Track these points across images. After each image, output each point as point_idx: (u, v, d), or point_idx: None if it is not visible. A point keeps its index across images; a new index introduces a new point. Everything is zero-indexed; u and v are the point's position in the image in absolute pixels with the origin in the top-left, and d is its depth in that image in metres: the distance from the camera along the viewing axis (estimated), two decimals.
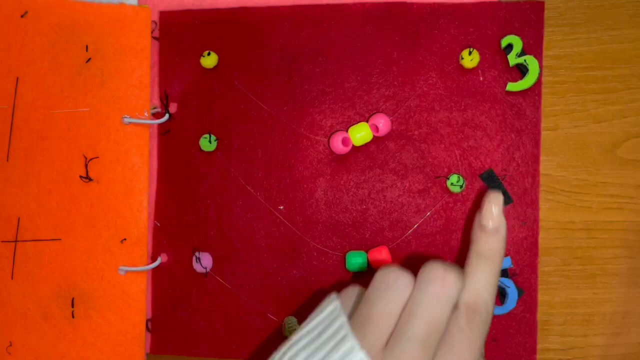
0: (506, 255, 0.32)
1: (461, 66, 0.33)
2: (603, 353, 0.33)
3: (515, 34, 0.33)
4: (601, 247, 0.33)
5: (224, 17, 0.35)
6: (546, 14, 0.34)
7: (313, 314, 0.26)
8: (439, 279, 0.24)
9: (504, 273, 0.32)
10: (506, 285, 0.32)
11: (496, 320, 0.32)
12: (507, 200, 0.32)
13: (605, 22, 0.34)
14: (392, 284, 0.25)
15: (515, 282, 0.32)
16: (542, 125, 0.33)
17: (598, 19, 0.34)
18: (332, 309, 0.25)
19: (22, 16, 0.36)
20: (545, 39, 0.34)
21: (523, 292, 0.32)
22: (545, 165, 0.34)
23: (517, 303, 0.32)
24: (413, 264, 0.33)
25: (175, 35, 0.35)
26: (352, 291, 0.27)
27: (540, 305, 0.33)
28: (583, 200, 0.33)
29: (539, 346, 0.33)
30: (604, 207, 0.33)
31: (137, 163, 0.35)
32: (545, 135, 0.34)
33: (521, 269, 0.33)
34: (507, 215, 0.33)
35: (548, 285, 0.33)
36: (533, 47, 0.33)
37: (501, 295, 0.32)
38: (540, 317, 0.33)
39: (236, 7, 0.35)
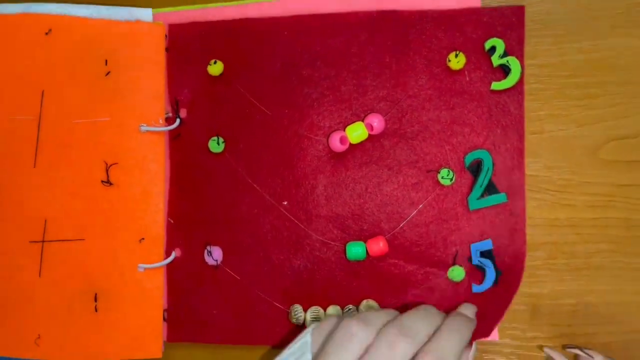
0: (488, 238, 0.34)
1: (448, 68, 0.35)
2: (587, 341, 0.34)
3: (498, 37, 0.34)
4: (585, 242, 0.34)
5: (228, 28, 0.37)
6: (531, 25, 0.35)
7: (291, 342, 0.28)
8: (391, 343, 0.26)
9: (486, 254, 0.34)
10: (485, 265, 0.34)
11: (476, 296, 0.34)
12: (495, 192, 0.34)
13: (587, 33, 0.35)
14: (352, 337, 0.26)
15: (496, 264, 0.34)
16: (529, 129, 0.35)
17: (580, 30, 0.35)
18: (303, 342, 0.27)
19: (46, 34, 0.38)
20: (531, 49, 0.35)
21: (501, 273, 0.34)
22: (532, 166, 0.35)
23: (495, 283, 0.34)
24: (409, 252, 0.35)
25: (184, 46, 0.37)
26: (330, 322, 0.29)
27: (528, 296, 0.34)
28: (567, 198, 0.35)
29: (528, 334, 0.34)
30: (587, 205, 0.34)
31: (153, 168, 0.37)
32: (531, 138, 0.35)
33: (508, 258, 0.34)
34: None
35: (536, 278, 0.34)
36: (515, 48, 0.35)
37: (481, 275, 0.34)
38: (528, 307, 0.34)
39: (240, 19, 0.37)
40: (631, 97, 0.34)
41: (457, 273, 0.34)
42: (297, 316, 0.35)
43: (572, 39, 0.35)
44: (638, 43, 0.35)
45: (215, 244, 0.37)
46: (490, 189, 0.34)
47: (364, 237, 0.36)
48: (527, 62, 0.35)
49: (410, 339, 0.26)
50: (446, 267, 0.35)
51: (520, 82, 0.34)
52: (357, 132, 0.35)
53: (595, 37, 0.35)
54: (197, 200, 0.37)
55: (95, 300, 0.37)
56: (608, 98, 0.35)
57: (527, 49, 0.35)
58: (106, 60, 0.37)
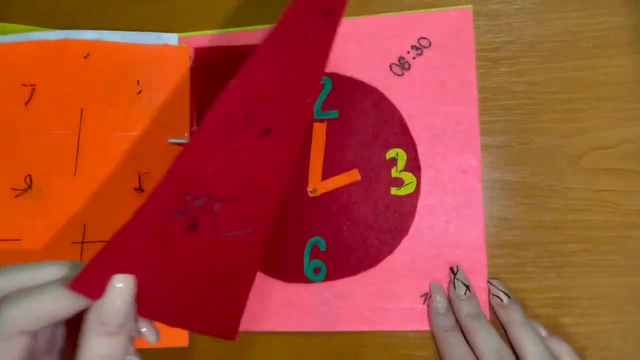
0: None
1: None
2: (571, 331, 0.35)
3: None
4: (568, 242, 0.36)
5: (247, 52, 0.40)
6: (519, 47, 0.38)
7: None
8: None
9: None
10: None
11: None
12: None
13: (571, 54, 0.37)
14: None
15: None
16: (519, 140, 0.37)
17: (564, 51, 0.37)
18: None
19: (85, 57, 0.41)
20: (521, 68, 0.37)
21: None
22: (521, 173, 0.37)
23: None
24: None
25: (207, 67, 0.40)
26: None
27: (517, 291, 0.36)
28: (552, 202, 0.36)
29: None
30: (569, 208, 0.36)
31: None
32: (520, 148, 0.37)
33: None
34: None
35: (524, 274, 0.36)
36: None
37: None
38: (518, 300, 0.35)
39: (256, 44, 0.40)
40: (610, 111, 0.37)
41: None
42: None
43: (557, 59, 0.38)
44: (616, 62, 0.37)
45: None
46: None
47: None
48: (516, 79, 0.38)
49: None
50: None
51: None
52: None
53: (578, 57, 0.37)
54: None
55: None
56: (589, 112, 0.37)
57: (517, 67, 0.38)
58: (138, 81, 0.40)
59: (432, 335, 0.37)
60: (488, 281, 0.37)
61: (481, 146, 0.38)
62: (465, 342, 0.35)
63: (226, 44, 0.41)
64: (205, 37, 0.41)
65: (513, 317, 0.34)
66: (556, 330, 0.35)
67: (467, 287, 0.36)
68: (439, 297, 0.37)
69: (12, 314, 0.22)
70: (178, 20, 0.42)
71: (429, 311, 0.37)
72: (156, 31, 0.41)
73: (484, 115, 0.38)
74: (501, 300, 0.35)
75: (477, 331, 0.34)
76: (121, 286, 0.23)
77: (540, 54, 0.38)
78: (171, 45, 0.40)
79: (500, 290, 0.36)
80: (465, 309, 0.35)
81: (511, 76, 0.38)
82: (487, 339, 0.33)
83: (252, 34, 0.41)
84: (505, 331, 0.35)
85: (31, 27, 0.41)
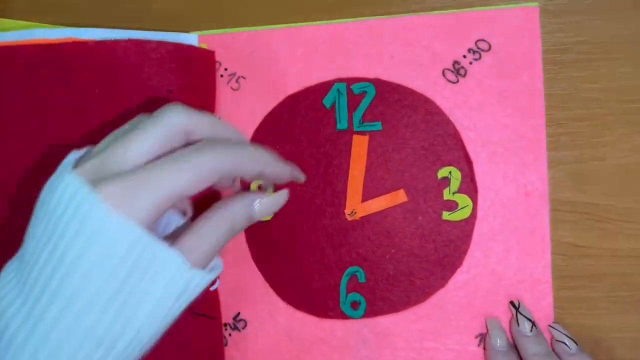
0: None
1: None
2: None
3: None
4: None
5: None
6: (590, 48, 0.34)
7: None
8: None
9: None
10: None
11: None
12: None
13: None
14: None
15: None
16: (590, 155, 0.34)
17: None
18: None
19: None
20: (592, 73, 0.34)
21: None
22: (592, 194, 0.34)
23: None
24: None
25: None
26: None
27: (589, 329, 0.34)
28: (630, 228, 0.34)
29: None
30: None
31: None
32: (592, 165, 0.34)
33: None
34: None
35: (597, 311, 0.34)
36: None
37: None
38: (589, 340, 0.34)
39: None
40: None
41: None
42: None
43: (635, 63, 0.34)
44: None
45: None
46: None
47: None
48: (587, 85, 0.34)
49: None
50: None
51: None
52: None
53: None
54: None
55: None
56: None
57: (589, 72, 0.34)
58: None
59: None
60: (550, 325, 0.34)
61: (547, 163, 0.34)
62: None
63: (251, 43, 0.36)
64: (227, 34, 0.37)
65: None
66: None
67: (533, 323, 0.33)
68: (498, 333, 0.34)
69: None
70: (194, 18, 0.37)
71: (486, 352, 0.34)
72: (169, 30, 0.37)
73: (549, 127, 0.35)
74: (568, 347, 0.32)
75: None
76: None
77: (616, 57, 0.34)
78: (196, 47, 0.36)
79: (564, 335, 0.33)
80: (532, 348, 0.32)
81: (581, 82, 0.34)
82: None
83: (280, 32, 0.36)
84: None
85: (33, 24, 0.38)
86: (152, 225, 0.22)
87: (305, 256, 0.36)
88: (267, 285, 0.36)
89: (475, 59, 0.34)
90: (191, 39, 0.36)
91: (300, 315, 0.36)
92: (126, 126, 0.25)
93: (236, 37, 0.37)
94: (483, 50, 0.34)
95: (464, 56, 0.34)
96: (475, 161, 0.34)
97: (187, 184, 0.23)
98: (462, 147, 0.34)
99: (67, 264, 0.21)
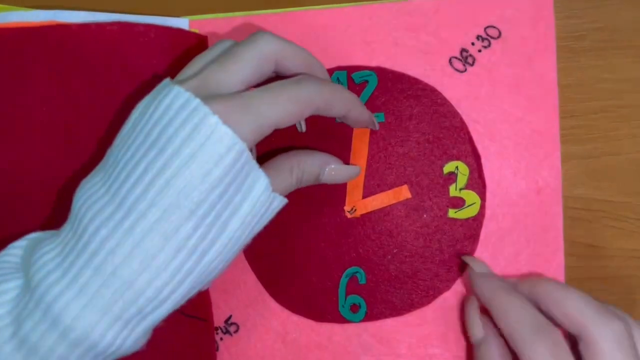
0: None
1: None
2: None
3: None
4: None
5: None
6: (609, 35, 0.32)
7: None
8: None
9: None
10: None
11: None
12: None
13: None
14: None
15: None
16: (605, 149, 0.32)
17: None
18: None
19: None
20: (610, 62, 0.32)
21: None
22: (608, 191, 0.33)
23: None
24: None
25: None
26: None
27: None
28: None
29: None
30: None
31: None
32: (607, 160, 0.33)
33: None
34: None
35: None
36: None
37: None
38: None
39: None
40: None
41: None
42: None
43: None
44: None
45: None
46: None
47: None
48: (604, 75, 0.32)
49: None
50: None
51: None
52: None
53: None
54: None
55: None
56: None
57: (606, 61, 0.32)
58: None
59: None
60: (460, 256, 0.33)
61: (561, 158, 0.33)
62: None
63: (248, 28, 0.34)
64: (219, 20, 0.35)
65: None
66: None
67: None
68: (477, 262, 0.32)
69: None
70: (185, 1, 0.35)
71: (471, 282, 0.32)
72: (158, 14, 0.35)
73: (562, 120, 0.33)
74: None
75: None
76: None
77: (635, 45, 0.33)
78: (187, 31, 0.34)
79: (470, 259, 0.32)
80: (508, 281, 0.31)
81: (598, 72, 0.33)
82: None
83: (276, 17, 0.34)
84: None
85: (10, 7, 0.35)
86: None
87: (302, 256, 0.34)
88: (260, 286, 0.34)
89: (485, 47, 0.32)
90: (182, 23, 0.34)
91: (295, 318, 0.34)
92: (216, 51, 0.26)
93: (229, 22, 0.35)
94: (493, 38, 0.32)
95: (473, 43, 0.32)
96: (483, 156, 0.33)
97: (285, 114, 0.24)
98: (470, 141, 0.33)
99: (172, 170, 0.22)
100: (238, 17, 0.35)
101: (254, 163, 0.24)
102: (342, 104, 0.27)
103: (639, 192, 0.32)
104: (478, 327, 0.30)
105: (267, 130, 0.24)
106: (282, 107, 0.24)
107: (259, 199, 0.24)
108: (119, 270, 0.22)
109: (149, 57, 0.32)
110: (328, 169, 0.29)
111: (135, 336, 0.24)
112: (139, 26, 0.32)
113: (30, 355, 0.23)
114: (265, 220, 0.26)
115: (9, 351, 0.23)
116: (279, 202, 0.26)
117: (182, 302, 0.25)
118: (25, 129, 0.32)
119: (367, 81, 0.33)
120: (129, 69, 0.32)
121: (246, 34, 0.34)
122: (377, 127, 0.32)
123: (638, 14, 0.32)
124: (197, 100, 0.22)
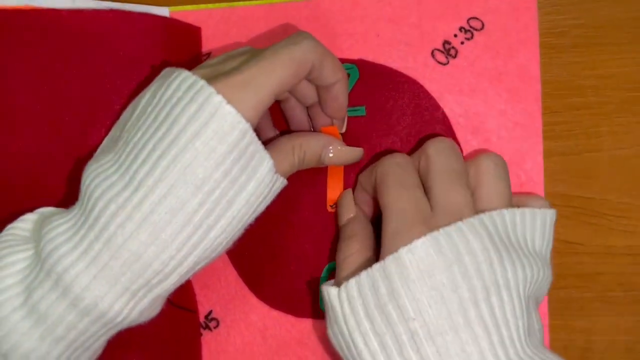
0: None
1: None
2: None
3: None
4: None
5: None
6: (591, 32, 0.32)
7: None
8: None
9: None
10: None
11: None
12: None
13: None
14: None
15: None
16: (585, 146, 0.33)
17: None
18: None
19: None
20: (591, 59, 0.33)
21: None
22: (588, 188, 0.33)
23: None
24: None
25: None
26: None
27: (580, 331, 0.33)
28: (627, 224, 0.33)
29: None
30: None
31: None
32: (588, 157, 0.33)
33: None
34: None
35: (590, 312, 0.33)
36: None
37: None
38: (580, 344, 0.33)
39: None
40: None
41: None
42: None
43: (636, 48, 0.32)
44: None
45: None
46: None
47: None
48: (586, 72, 0.33)
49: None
50: None
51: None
52: None
53: None
54: None
55: None
56: None
57: (587, 58, 0.33)
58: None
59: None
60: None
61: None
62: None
63: (229, 19, 0.34)
64: (201, 11, 0.34)
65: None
66: None
67: None
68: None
69: None
70: None
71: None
72: (137, 2, 0.34)
73: (544, 116, 0.33)
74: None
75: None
76: None
77: (617, 42, 0.33)
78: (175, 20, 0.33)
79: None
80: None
81: (579, 68, 0.33)
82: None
83: (262, 9, 0.34)
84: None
85: None
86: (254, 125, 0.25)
87: (282, 250, 0.33)
88: (241, 281, 0.34)
89: (467, 39, 0.32)
90: (161, 12, 0.34)
91: (275, 314, 0.34)
92: (239, 51, 0.28)
93: (211, 13, 0.34)
94: (475, 29, 0.32)
95: (455, 35, 0.32)
96: (465, 149, 0.33)
97: (283, 80, 0.25)
98: (452, 134, 0.33)
99: (178, 147, 0.23)
100: (220, 9, 0.34)
101: (258, 144, 0.25)
102: (333, 65, 0.27)
103: (619, 189, 0.33)
104: (351, 208, 0.31)
105: (269, 101, 0.25)
106: (279, 75, 0.25)
107: (263, 179, 0.25)
108: (128, 243, 0.23)
109: (142, 46, 0.32)
110: (331, 148, 0.30)
111: (141, 307, 0.25)
112: (133, 14, 0.32)
113: (40, 323, 0.24)
114: (268, 201, 0.27)
115: (19, 319, 0.24)
116: (281, 183, 0.27)
117: (187, 276, 0.26)
118: (6, 115, 0.32)
119: (348, 74, 0.33)
120: (121, 57, 0.32)
121: (228, 27, 0.34)
122: (345, 129, 0.32)
123: (619, 10, 0.33)
124: (203, 82, 0.24)
